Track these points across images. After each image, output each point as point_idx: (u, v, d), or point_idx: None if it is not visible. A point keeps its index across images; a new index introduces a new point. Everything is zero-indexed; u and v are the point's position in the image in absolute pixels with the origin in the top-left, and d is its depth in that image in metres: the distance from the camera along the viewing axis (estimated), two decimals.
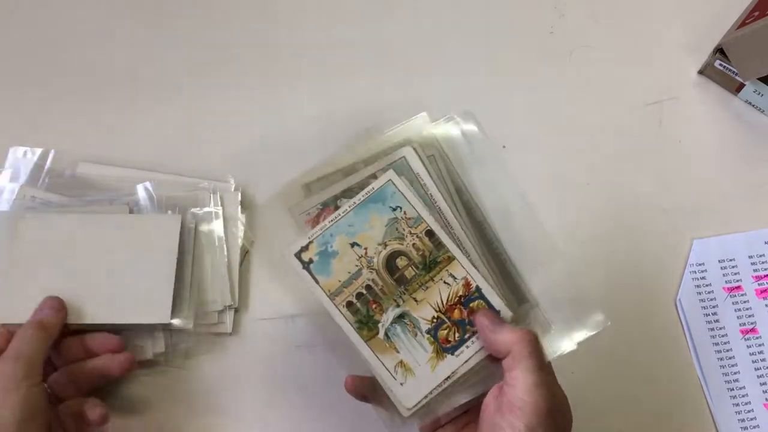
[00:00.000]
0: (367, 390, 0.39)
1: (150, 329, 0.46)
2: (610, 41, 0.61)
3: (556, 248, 0.41)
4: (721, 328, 0.51)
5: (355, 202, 0.39)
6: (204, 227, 0.50)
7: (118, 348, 0.44)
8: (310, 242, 0.39)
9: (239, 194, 0.52)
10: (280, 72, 0.59)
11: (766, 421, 0.49)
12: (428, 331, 0.38)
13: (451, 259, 0.39)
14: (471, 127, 0.43)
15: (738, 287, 0.52)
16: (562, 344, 0.38)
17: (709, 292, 0.52)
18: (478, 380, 0.37)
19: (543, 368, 0.35)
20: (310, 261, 0.39)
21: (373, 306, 0.39)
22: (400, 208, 0.39)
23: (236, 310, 0.49)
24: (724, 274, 0.53)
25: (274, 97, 0.57)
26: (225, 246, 0.50)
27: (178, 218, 0.48)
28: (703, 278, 0.52)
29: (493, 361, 0.37)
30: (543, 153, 0.56)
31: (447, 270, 0.39)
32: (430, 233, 0.39)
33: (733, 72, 0.57)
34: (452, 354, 0.38)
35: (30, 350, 0.40)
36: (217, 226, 0.50)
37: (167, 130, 0.55)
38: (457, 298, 0.38)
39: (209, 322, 0.48)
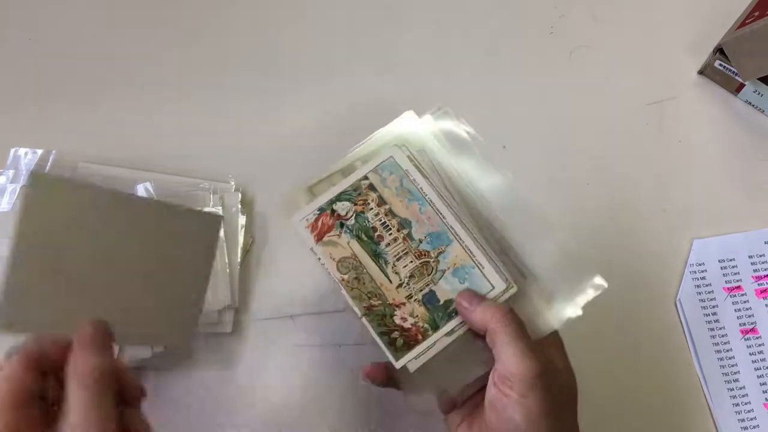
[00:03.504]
0: (385, 375, 0.40)
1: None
2: (610, 41, 0.61)
3: (547, 222, 0.42)
4: (721, 328, 0.51)
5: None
6: None
7: None
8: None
9: (239, 194, 0.52)
10: (280, 72, 0.59)
11: (766, 421, 0.49)
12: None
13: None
14: (450, 122, 0.44)
15: (738, 287, 0.52)
16: (567, 311, 0.39)
17: (709, 292, 0.52)
18: (483, 359, 0.38)
19: (522, 337, 0.36)
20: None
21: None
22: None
23: (236, 310, 0.49)
24: (724, 274, 0.53)
25: (274, 97, 0.57)
26: (225, 246, 0.50)
27: (219, 219, 0.41)
28: (703, 278, 0.52)
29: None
30: (543, 153, 0.56)
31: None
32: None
33: (733, 72, 0.57)
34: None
35: (102, 415, 0.31)
36: None
37: (167, 130, 0.55)
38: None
39: (209, 322, 0.48)
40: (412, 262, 0.40)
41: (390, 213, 0.41)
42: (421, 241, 0.40)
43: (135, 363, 0.46)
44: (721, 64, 0.57)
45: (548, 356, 0.37)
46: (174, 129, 0.56)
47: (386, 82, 0.59)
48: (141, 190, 0.50)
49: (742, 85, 0.57)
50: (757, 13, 0.54)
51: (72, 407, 0.31)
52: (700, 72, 0.60)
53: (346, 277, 0.40)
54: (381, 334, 0.39)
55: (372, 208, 0.41)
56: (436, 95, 0.58)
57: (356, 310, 0.40)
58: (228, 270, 0.49)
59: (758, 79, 0.55)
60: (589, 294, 0.40)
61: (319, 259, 0.40)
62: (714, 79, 0.59)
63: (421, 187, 0.41)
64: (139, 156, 0.53)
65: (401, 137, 0.43)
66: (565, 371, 0.38)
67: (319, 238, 0.41)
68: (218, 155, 0.54)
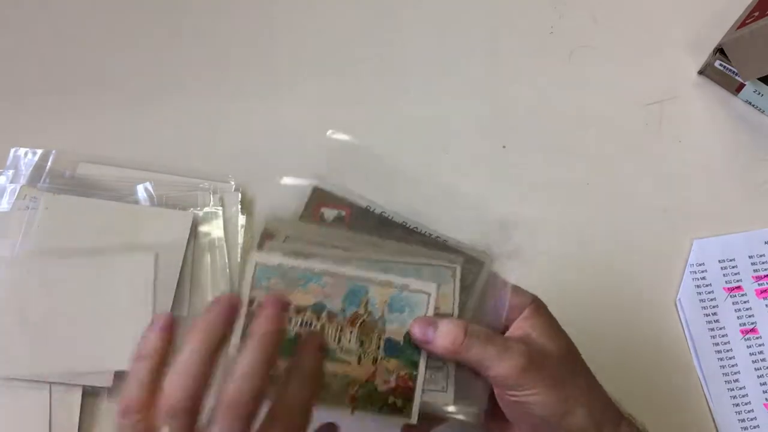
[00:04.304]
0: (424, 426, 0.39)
1: None
2: (610, 41, 0.61)
3: (461, 194, 0.41)
4: (721, 328, 0.51)
5: None
6: (204, 227, 0.50)
7: None
8: None
9: (239, 194, 0.52)
10: (280, 71, 0.59)
11: (766, 421, 0.49)
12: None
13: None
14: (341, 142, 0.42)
15: (738, 287, 0.52)
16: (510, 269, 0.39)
17: (709, 292, 0.52)
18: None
19: (489, 344, 0.35)
20: None
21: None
22: None
23: None
24: (724, 274, 0.53)
25: (274, 97, 0.57)
26: (225, 246, 0.50)
27: (189, 216, 0.49)
28: (703, 278, 0.52)
29: None
30: (543, 153, 0.56)
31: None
32: None
33: (733, 72, 0.57)
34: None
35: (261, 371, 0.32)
36: (217, 227, 0.50)
37: (167, 130, 0.55)
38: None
39: None
40: (351, 332, 0.38)
41: (299, 310, 0.38)
42: (343, 310, 0.38)
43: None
44: (721, 64, 0.57)
45: (528, 337, 0.36)
46: (174, 129, 0.56)
47: (387, 81, 0.59)
48: (141, 190, 0.50)
49: (742, 85, 0.57)
50: (757, 13, 0.54)
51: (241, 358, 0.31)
52: (700, 72, 0.60)
53: None
54: (379, 410, 0.37)
55: None
56: (436, 94, 0.58)
57: (344, 410, 0.37)
58: (228, 270, 0.49)
59: (758, 79, 0.55)
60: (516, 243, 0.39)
61: None
62: (714, 79, 0.59)
63: (303, 267, 0.38)
64: (139, 156, 0.53)
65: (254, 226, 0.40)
66: (553, 340, 0.37)
67: None
68: (218, 155, 0.54)
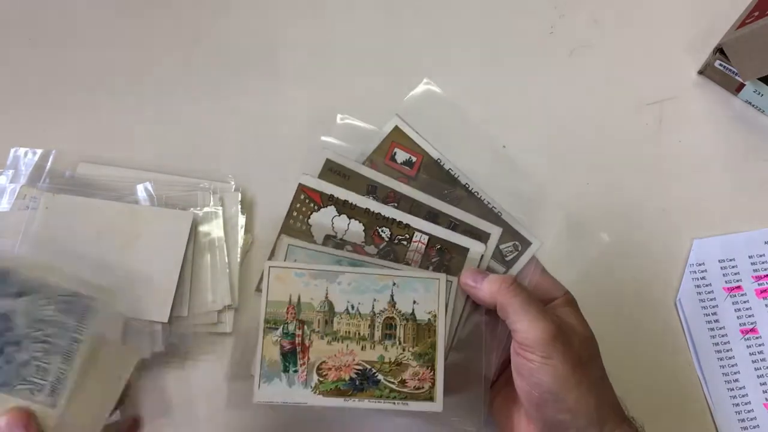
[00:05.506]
0: None
1: (149, 327, 0.47)
2: (610, 41, 0.61)
3: (534, 182, 0.43)
4: (721, 328, 0.51)
5: None
6: (204, 227, 0.50)
7: None
8: None
9: (239, 194, 0.52)
10: (280, 71, 0.59)
11: (766, 421, 0.49)
12: None
13: None
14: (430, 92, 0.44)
15: (738, 287, 0.52)
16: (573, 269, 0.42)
17: (709, 292, 0.52)
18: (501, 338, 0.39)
19: (532, 303, 0.37)
20: None
21: None
22: None
23: (236, 310, 0.49)
24: (724, 274, 0.53)
25: (274, 97, 0.57)
26: (225, 246, 0.50)
27: (189, 215, 0.49)
28: (703, 278, 0.52)
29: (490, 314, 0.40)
30: (543, 153, 0.56)
31: None
32: None
33: (733, 72, 0.57)
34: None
35: None
36: (216, 227, 0.50)
37: (167, 130, 0.55)
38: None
39: (209, 322, 0.48)
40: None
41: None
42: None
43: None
44: (721, 64, 0.57)
45: (560, 316, 0.39)
46: (174, 129, 0.56)
47: (386, 81, 0.58)
48: (141, 190, 0.50)
49: (742, 85, 0.57)
50: (757, 13, 0.54)
51: None
52: (700, 72, 0.60)
53: None
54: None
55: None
56: (435, 94, 0.58)
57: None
58: (228, 270, 0.49)
59: (758, 79, 0.55)
60: (593, 250, 0.42)
61: None
62: (714, 79, 0.59)
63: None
64: (138, 156, 0.53)
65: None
66: (580, 326, 0.39)
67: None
68: (218, 155, 0.54)
